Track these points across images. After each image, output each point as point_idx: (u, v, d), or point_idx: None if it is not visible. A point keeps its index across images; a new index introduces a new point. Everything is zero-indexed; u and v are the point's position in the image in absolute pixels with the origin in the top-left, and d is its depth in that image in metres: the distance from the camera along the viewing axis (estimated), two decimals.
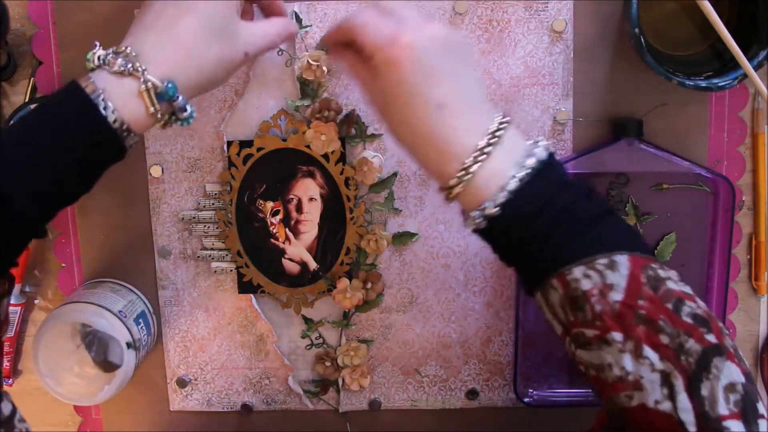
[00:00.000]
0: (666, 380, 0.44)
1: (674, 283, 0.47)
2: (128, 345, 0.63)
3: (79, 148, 0.48)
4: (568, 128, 0.66)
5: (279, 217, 0.68)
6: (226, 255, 0.69)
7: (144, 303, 0.69)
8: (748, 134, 0.66)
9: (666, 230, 0.66)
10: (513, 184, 0.48)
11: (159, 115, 0.50)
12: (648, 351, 0.45)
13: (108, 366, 0.66)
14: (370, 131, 0.67)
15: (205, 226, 0.68)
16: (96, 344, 0.63)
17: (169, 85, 0.49)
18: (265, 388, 0.71)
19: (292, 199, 0.67)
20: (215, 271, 0.69)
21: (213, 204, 0.68)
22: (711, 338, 0.45)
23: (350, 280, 0.68)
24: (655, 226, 0.66)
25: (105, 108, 0.47)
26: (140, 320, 0.66)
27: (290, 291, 0.69)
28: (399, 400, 0.71)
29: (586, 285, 0.47)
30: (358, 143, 0.66)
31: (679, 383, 0.44)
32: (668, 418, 0.44)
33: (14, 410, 0.49)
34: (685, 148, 0.65)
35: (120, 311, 0.64)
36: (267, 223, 0.68)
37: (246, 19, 0.57)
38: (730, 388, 0.44)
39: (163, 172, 0.68)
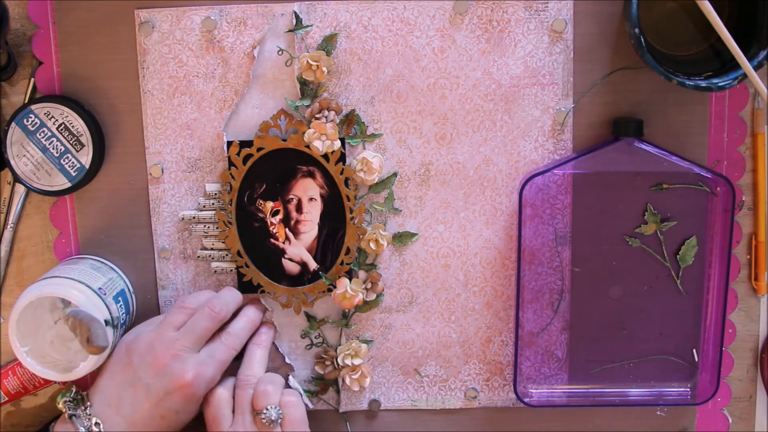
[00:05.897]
0: None
1: None
2: (106, 322, 0.62)
3: None
4: (568, 128, 0.66)
5: (279, 217, 0.68)
6: (226, 255, 0.69)
7: (124, 281, 0.68)
8: (748, 134, 0.66)
9: (685, 234, 0.66)
10: None
11: None
12: None
13: (93, 349, 0.65)
14: (370, 131, 0.67)
15: (205, 226, 0.68)
16: (78, 328, 0.62)
17: None
18: None
19: (292, 199, 0.67)
20: (215, 271, 0.69)
21: (213, 204, 0.68)
22: None
23: (350, 280, 0.68)
24: (672, 229, 0.66)
25: None
26: (120, 298, 0.66)
27: (290, 291, 0.69)
28: (399, 400, 0.71)
29: None
30: (358, 143, 0.66)
31: None
32: None
33: None
34: (685, 148, 0.65)
35: (99, 288, 0.64)
36: (267, 223, 0.68)
37: None
38: None
39: (163, 172, 0.68)
